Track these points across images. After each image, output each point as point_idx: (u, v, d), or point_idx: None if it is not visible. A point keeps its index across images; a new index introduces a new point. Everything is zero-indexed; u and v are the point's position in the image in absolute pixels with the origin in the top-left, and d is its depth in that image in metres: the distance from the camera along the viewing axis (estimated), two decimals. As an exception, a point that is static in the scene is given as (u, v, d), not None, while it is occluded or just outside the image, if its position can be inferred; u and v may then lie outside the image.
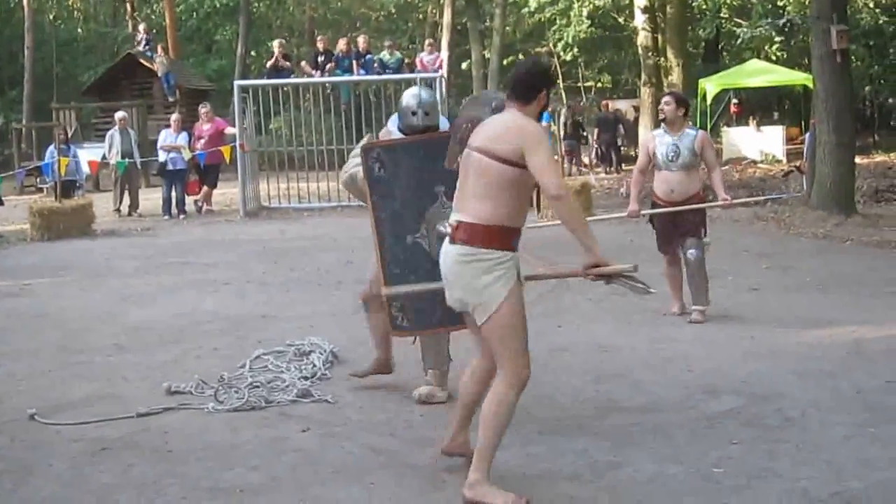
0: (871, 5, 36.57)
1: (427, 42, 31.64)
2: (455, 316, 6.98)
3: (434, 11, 49.98)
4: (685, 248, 11.02)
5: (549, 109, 25.86)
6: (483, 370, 6.54)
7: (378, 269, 7.85)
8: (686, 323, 10.94)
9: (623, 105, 40.42)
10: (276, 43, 28.84)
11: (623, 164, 33.59)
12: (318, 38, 30.33)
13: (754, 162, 32.45)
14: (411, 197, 7.71)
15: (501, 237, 6.04)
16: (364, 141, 8.54)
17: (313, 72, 26.60)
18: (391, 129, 8.59)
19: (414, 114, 8.26)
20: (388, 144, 7.99)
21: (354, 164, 8.13)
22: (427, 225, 7.66)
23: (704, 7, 36.78)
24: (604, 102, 39.97)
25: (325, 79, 26.50)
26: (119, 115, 26.08)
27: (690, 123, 11.57)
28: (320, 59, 26.99)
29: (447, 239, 6.24)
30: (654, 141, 11.27)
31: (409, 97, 8.31)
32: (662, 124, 11.30)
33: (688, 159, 10.91)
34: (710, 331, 10.53)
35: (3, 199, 22.34)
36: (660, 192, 11.25)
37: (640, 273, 6.19)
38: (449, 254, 6.20)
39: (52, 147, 24.80)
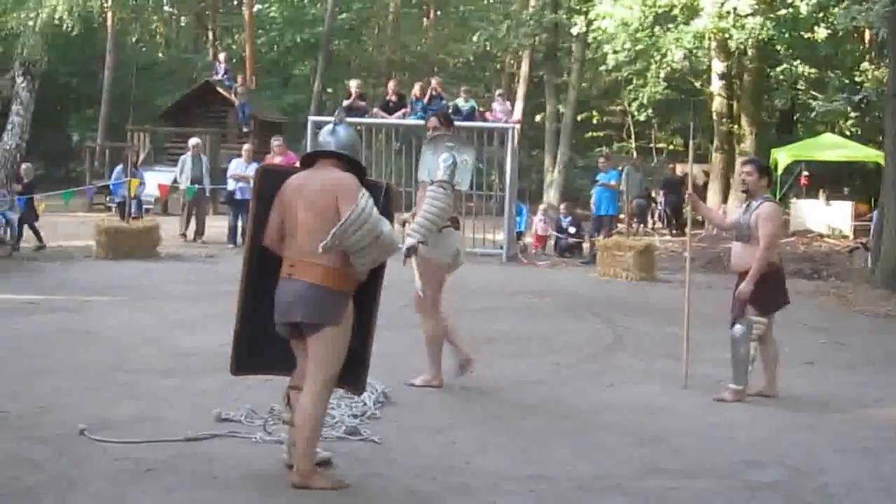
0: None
1: (497, 92, 31.69)
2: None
3: (512, 62, 50.15)
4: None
5: (619, 168, 26.02)
6: None
7: None
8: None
9: (694, 169, 40.11)
10: (353, 83, 28.91)
11: (686, 228, 33.26)
12: (390, 82, 30.44)
13: (821, 235, 32.25)
14: None
15: None
16: None
17: (386, 116, 26.70)
18: None
19: None
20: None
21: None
22: None
23: (781, 77, 36.67)
24: (670, 165, 39.86)
25: (399, 121, 26.52)
26: (193, 141, 26.33)
27: (763, 195, 10.78)
28: (390, 104, 27.16)
29: None
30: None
31: (326, 134, 7.52)
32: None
33: (743, 230, 10.59)
34: (758, 401, 10.47)
35: (38, 213, 22.31)
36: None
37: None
38: None
39: (118, 168, 25.11)
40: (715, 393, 10.59)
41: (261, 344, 7.46)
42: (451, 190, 9.56)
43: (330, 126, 7.48)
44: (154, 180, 26.82)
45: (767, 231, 10.36)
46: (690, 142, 13.04)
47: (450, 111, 26.54)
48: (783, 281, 10.87)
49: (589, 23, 33.67)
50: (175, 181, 25.89)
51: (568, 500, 7.20)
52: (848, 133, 38.28)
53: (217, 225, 25.99)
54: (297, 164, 7.90)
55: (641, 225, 32.22)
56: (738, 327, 10.46)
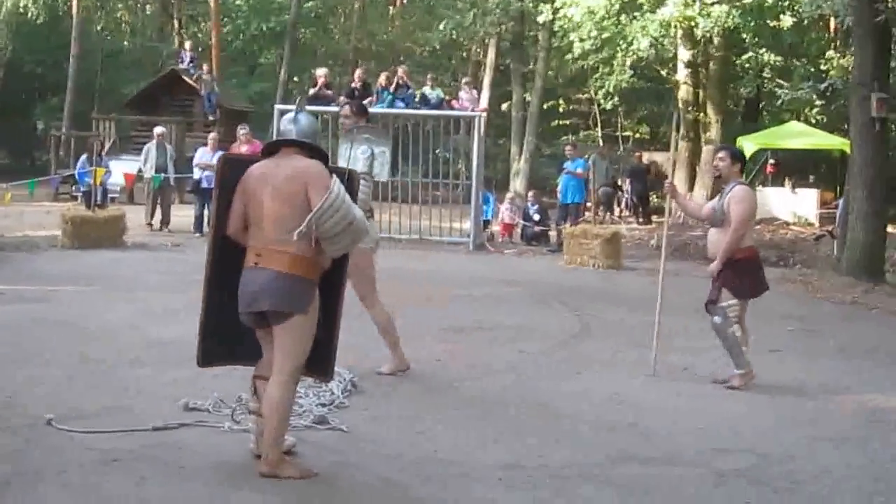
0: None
1: (463, 80, 31.61)
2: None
3: (478, 51, 50.09)
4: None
5: (585, 156, 26.04)
6: None
7: None
8: (708, 380, 10.85)
9: (660, 157, 40.20)
10: (320, 71, 28.79)
11: (653, 217, 33.30)
12: (357, 71, 30.22)
13: (787, 223, 32.33)
14: None
15: None
16: None
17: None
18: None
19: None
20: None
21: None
22: None
23: (747, 66, 36.76)
24: (636, 153, 39.83)
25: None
26: (157, 129, 26.25)
27: (736, 180, 10.78)
28: (356, 92, 27.00)
29: None
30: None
31: (287, 122, 7.52)
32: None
33: (718, 216, 10.64)
34: (728, 389, 10.50)
35: None
36: None
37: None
38: None
39: (83, 157, 24.99)
40: (683, 381, 10.67)
41: (227, 334, 7.42)
42: (370, 181, 9.99)
43: (291, 114, 7.46)
44: (120, 169, 26.68)
45: (738, 212, 10.40)
46: (673, 133, 13.08)
47: (417, 100, 26.60)
48: (759, 268, 10.89)
49: (555, 11, 33.69)
50: (140, 170, 25.76)
51: (539, 488, 7.19)
52: (813, 121, 38.40)
53: (183, 214, 25.88)
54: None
55: (608, 213, 32.29)
56: (715, 318, 10.53)
